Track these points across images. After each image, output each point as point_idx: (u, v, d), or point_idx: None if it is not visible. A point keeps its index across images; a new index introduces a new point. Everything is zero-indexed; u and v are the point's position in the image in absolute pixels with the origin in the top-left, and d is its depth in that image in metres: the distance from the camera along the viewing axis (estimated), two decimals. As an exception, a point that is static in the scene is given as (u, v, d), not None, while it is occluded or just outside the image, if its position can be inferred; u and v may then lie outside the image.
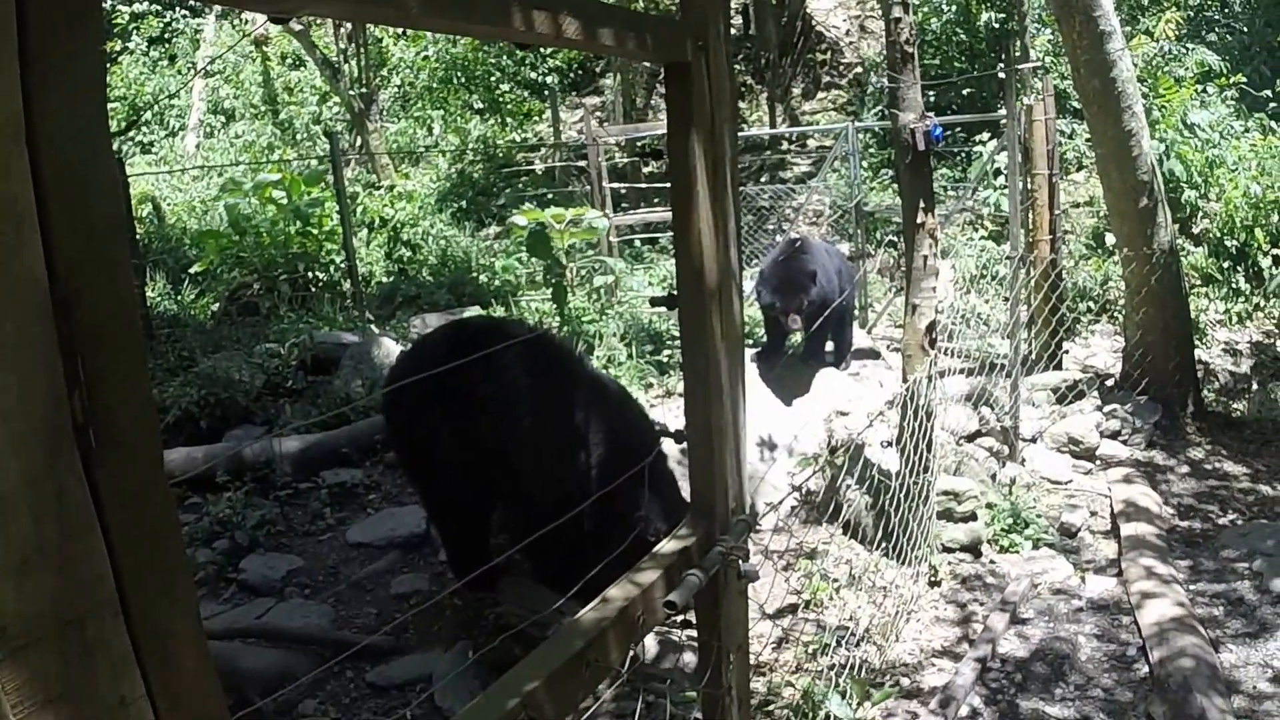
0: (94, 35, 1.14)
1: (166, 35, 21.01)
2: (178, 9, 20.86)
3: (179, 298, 10.27)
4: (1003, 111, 6.99)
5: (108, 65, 19.64)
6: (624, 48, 2.36)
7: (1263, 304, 9.65)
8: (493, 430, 4.33)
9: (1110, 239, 9.00)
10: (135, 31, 20.58)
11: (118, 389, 1.16)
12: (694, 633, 3.33)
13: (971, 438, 6.50)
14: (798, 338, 7.39)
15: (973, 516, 5.51)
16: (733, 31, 15.22)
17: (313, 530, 5.54)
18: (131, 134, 18.73)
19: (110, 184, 1.19)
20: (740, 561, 2.74)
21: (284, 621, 4.52)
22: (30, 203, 1.06)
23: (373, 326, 8.64)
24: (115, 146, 15.95)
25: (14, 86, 1.03)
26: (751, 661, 3.32)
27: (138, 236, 9.88)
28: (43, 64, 1.07)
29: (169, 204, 14.72)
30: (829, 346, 7.39)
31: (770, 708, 3.97)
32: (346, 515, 5.71)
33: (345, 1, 1.63)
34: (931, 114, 5.31)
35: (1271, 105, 11.37)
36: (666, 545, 2.69)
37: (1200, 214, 10.55)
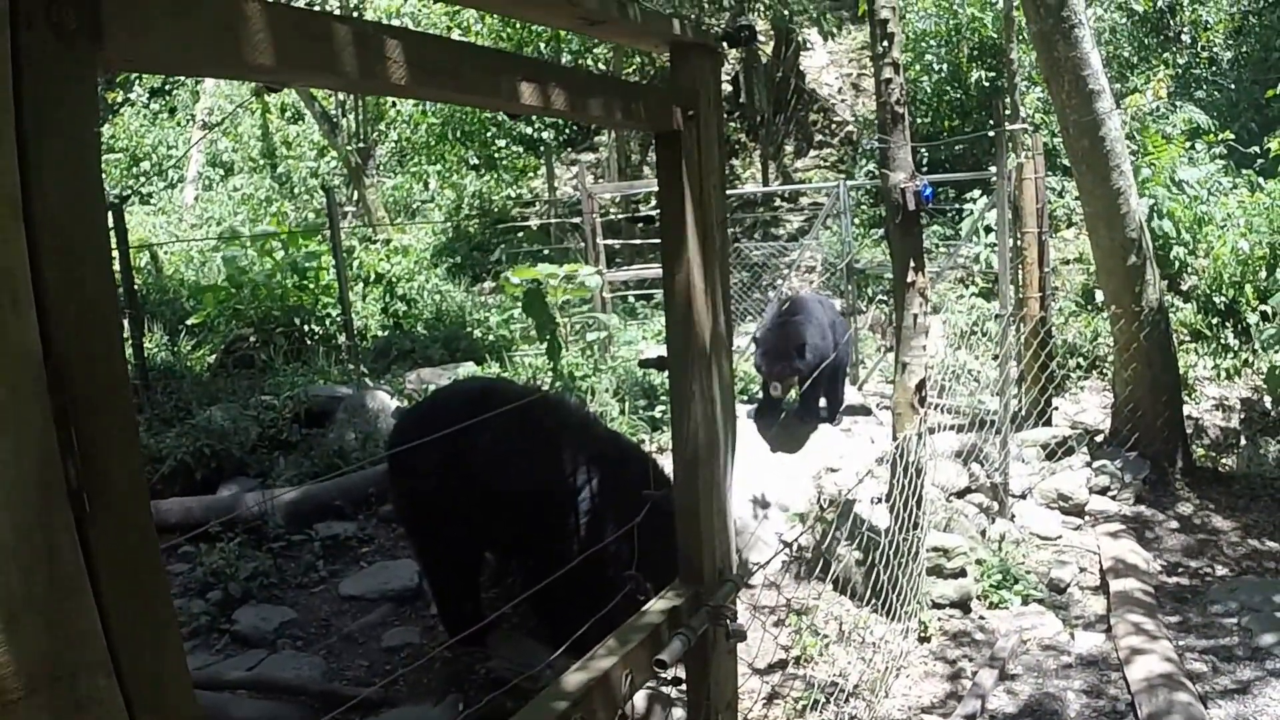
0: (88, 113, 1.19)
1: (167, 87, 21.30)
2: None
3: (176, 349, 10.31)
4: (993, 169, 7.12)
5: (109, 116, 19.92)
6: (613, 117, 2.42)
7: (1251, 359, 9.72)
8: (497, 488, 4.39)
9: (1100, 296, 9.10)
10: (136, 83, 20.86)
11: (110, 456, 1.20)
12: (684, 688, 3.35)
13: (961, 494, 6.54)
14: (793, 394, 7.45)
15: (962, 573, 5.53)
16: (725, 92, 15.45)
17: (305, 582, 5.56)
18: (132, 185, 18.92)
19: (104, 259, 1.23)
20: (728, 620, 2.77)
21: (276, 673, 4.53)
22: (26, 275, 1.10)
23: (367, 380, 8.70)
24: (118, 196, 16.15)
25: (11, 163, 1.08)
26: (741, 718, 3.33)
27: (135, 286, 9.95)
28: (39, 141, 1.11)
29: (166, 253, 14.83)
30: (822, 402, 7.44)
31: (759, 765, 3.98)
32: (339, 568, 5.73)
33: (337, 75, 1.69)
34: (923, 175, 5.40)
35: (1259, 162, 11.52)
36: (656, 604, 2.72)
37: (1189, 270, 10.65)
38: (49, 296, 1.13)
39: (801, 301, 7.13)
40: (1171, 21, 15.00)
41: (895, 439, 5.22)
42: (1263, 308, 9.72)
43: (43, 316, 1.12)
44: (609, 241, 11.39)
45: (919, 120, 14.27)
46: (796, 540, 5.45)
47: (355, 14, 15.64)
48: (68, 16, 1.14)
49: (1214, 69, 14.84)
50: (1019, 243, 8.09)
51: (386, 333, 11.28)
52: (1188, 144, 11.86)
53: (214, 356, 10.00)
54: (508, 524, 4.49)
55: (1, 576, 1.07)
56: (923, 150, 12.77)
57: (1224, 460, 8.15)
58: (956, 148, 13.16)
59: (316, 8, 15.34)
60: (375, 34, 1.71)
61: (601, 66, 16.62)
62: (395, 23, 15.88)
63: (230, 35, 1.41)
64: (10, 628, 1.08)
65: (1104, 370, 9.63)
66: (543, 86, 2.07)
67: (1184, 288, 10.60)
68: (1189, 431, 8.04)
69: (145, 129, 20.36)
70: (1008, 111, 9.74)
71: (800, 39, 17.38)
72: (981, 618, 5.42)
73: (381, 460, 5.79)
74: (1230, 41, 14.95)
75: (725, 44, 2.90)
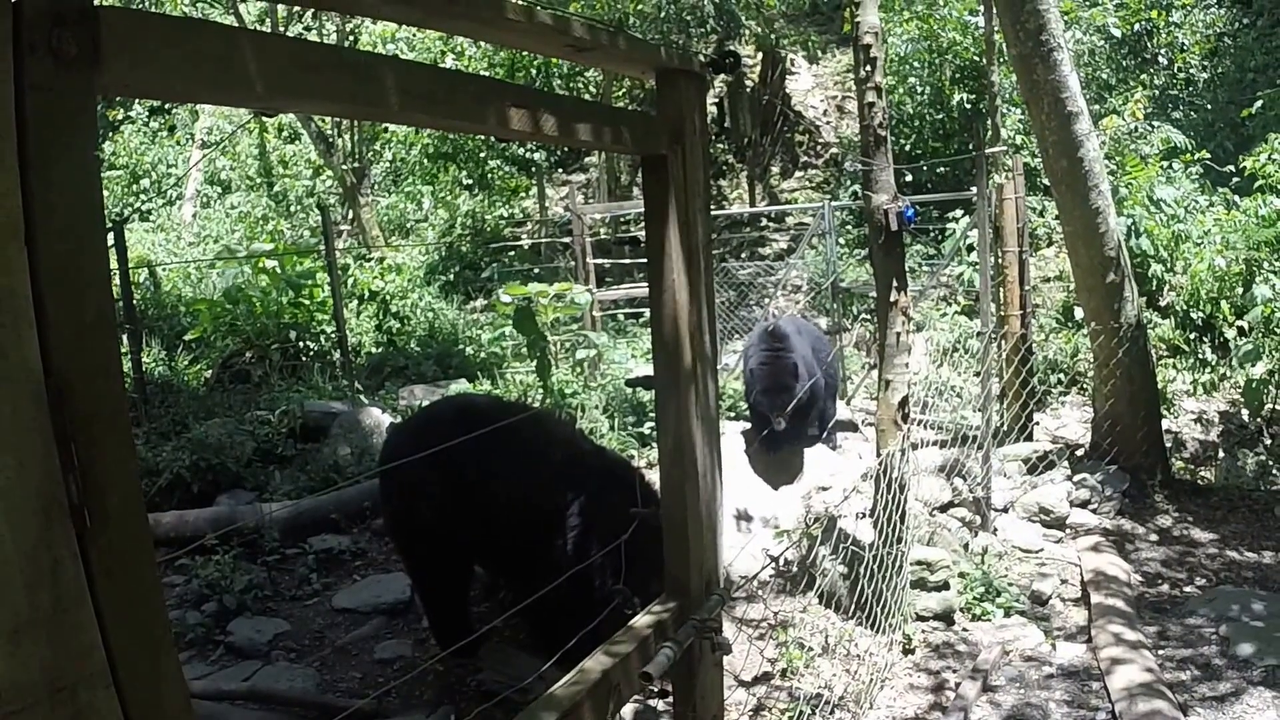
0: (88, 139, 1.24)
1: (167, 106, 21.39)
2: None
3: (173, 363, 10.38)
4: (974, 190, 7.24)
5: (110, 134, 20.01)
6: (601, 142, 2.47)
7: (1228, 374, 9.85)
8: (485, 503, 4.46)
9: (1079, 313, 9.24)
10: (136, 101, 20.96)
11: (109, 473, 1.24)
12: (671, 701, 3.42)
13: (944, 508, 6.61)
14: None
15: (945, 585, 5.60)
16: (711, 115, 15.56)
17: (299, 595, 5.62)
18: (132, 202, 19.02)
19: (104, 281, 1.26)
20: (714, 634, 2.82)
21: (270, 684, 4.59)
22: (28, 297, 1.14)
23: (361, 396, 8.78)
24: (119, 215, 16.19)
25: (14, 187, 1.13)
26: (726, 727, 3.39)
27: (134, 302, 10.02)
28: (41, 166, 1.16)
29: (164, 270, 14.90)
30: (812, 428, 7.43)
31: (745, 773, 4.04)
32: (333, 581, 5.79)
33: (330, 103, 1.75)
34: (905, 196, 5.49)
35: (1235, 180, 11.66)
36: (644, 618, 2.75)
37: (1167, 287, 10.76)
38: (50, 317, 1.16)
39: (781, 330, 7.06)
40: (1149, 44, 15.21)
41: (879, 455, 5.31)
42: (1239, 323, 9.84)
43: (43, 336, 1.15)
44: (599, 261, 11.51)
45: (902, 142, 14.40)
46: (782, 554, 5.54)
47: (351, 37, 15.75)
48: (68, 44, 1.18)
49: (1190, 90, 15.04)
50: (1000, 261, 8.20)
51: (380, 350, 11.35)
52: (1165, 163, 12.01)
53: (210, 371, 10.07)
54: (497, 539, 4.56)
55: (6, 592, 1.10)
56: (906, 172, 12.90)
57: (1202, 473, 8.27)
58: (939, 169, 13.30)
59: (312, 31, 15.46)
60: (368, 63, 1.77)
61: (593, 90, 16.74)
62: (390, 47, 16.00)
63: (226, 65, 1.45)
64: (14, 641, 1.11)
65: (1084, 386, 9.72)
66: (532, 113, 2.13)
67: (1162, 304, 10.72)
68: (1168, 445, 8.14)
69: (145, 147, 20.48)
70: (989, 133, 9.90)
71: (786, 62, 17.54)
72: (964, 630, 5.48)
73: (374, 475, 5.86)
74: (1206, 63, 15.17)
75: (710, 70, 2.97)
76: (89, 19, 1.22)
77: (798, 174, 17.19)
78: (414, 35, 16.57)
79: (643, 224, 2.88)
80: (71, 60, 1.19)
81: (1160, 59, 15.25)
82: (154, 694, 1.29)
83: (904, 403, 5.30)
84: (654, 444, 7.24)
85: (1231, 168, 11.78)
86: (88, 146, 1.23)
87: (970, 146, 10.73)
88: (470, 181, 17.23)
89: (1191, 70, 15.16)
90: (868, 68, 5.30)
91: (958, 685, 4.87)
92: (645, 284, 2.82)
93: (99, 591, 1.21)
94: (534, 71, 16.60)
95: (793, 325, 7.43)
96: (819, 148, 17.49)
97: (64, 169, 1.19)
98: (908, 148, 14.37)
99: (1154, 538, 6.92)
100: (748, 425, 7.47)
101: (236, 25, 15.28)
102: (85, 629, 1.19)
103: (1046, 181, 8.64)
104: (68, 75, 1.20)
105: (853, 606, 5.17)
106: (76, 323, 1.20)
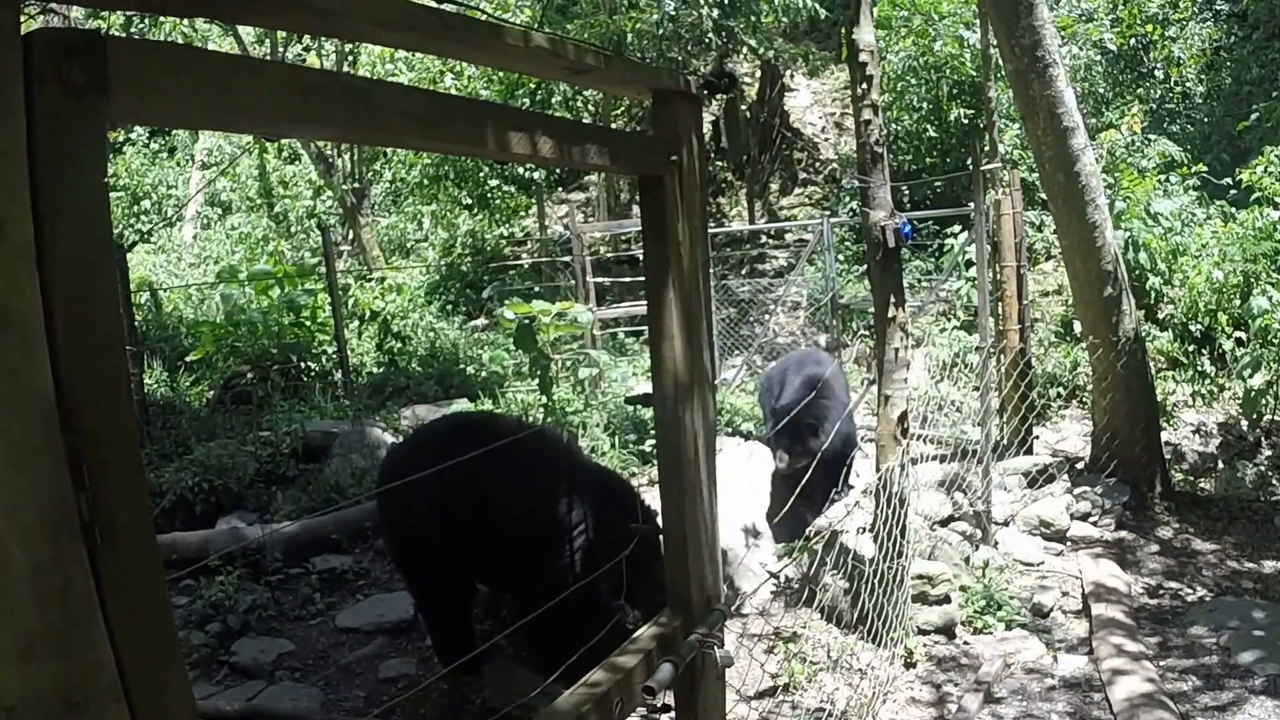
0: (97, 164, 1.27)
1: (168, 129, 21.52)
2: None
3: (175, 385, 10.42)
4: (972, 205, 7.29)
5: (111, 155, 20.11)
6: (599, 163, 2.48)
7: (1227, 385, 9.88)
8: (484, 521, 4.49)
9: (1078, 326, 9.28)
10: (138, 122, 21.10)
11: (118, 491, 1.26)
12: (674, 715, 3.43)
13: (945, 522, 6.63)
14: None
15: (947, 599, 5.63)
16: (709, 136, 15.62)
17: (303, 615, 5.64)
18: (133, 224, 19.09)
19: (112, 304, 1.29)
20: (715, 648, 2.85)
21: (274, 704, 4.61)
22: (39, 320, 1.15)
23: (363, 417, 8.81)
24: (120, 235, 16.25)
25: (25, 213, 1.15)
26: (728, 742, 3.41)
27: (135, 323, 10.06)
28: (51, 192, 1.19)
29: (165, 291, 14.95)
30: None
31: (748, 788, 4.05)
32: (336, 600, 5.82)
33: (330, 127, 1.76)
34: (903, 214, 5.52)
35: (1232, 193, 11.70)
36: (646, 632, 2.77)
37: (1165, 300, 10.80)
38: (60, 338, 1.18)
39: (830, 384, 6.61)
40: (1145, 58, 15.29)
41: (879, 470, 5.33)
42: (1237, 334, 9.88)
43: (54, 357, 1.17)
44: (599, 279, 11.55)
45: (900, 158, 14.44)
46: (783, 570, 5.56)
47: (351, 58, 15.82)
48: (76, 74, 1.21)
49: (1187, 103, 15.10)
50: (998, 276, 8.23)
51: (381, 369, 11.38)
52: (1162, 177, 12.06)
53: (212, 392, 10.10)
54: (495, 556, 4.58)
55: (19, 609, 1.12)
56: (904, 188, 12.95)
57: (1202, 484, 8.29)
58: (936, 185, 13.35)
59: (312, 52, 15.54)
60: (366, 88, 1.80)
61: (592, 109, 16.80)
62: (389, 67, 16.07)
63: (228, 93, 1.48)
64: (27, 658, 1.13)
65: (1083, 399, 9.73)
66: (529, 135, 2.15)
67: (1160, 317, 10.74)
68: (1167, 457, 8.15)
69: (146, 168, 20.55)
70: (986, 149, 9.93)
71: (785, 79, 17.62)
72: (966, 643, 5.51)
73: (374, 495, 5.89)
74: (1202, 76, 15.23)
75: (706, 91, 2.99)
76: (96, 50, 1.25)
77: (796, 191, 17.23)
78: (413, 56, 16.65)
79: (636, 252, 2.90)
80: (80, 90, 1.22)
81: (1156, 73, 15.32)
82: (161, 706, 1.31)
83: (903, 418, 5.32)
84: (654, 462, 7.27)
85: (1228, 180, 11.81)
86: (97, 173, 1.26)
87: (968, 162, 10.75)
88: (470, 201, 17.26)
89: (1188, 84, 15.23)
90: (864, 85, 5.35)
91: (960, 698, 4.89)
92: (645, 302, 2.84)
93: (109, 607, 1.23)
94: (533, 88, 16.68)
95: (840, 384, 6.84)
96: (818, 164, 17.54)
97: (73, 195, 1.21)
98: (905, 164, 14.42)
99: (1154, 549, 6.93)
100: (744, 440, 7.48)
101: (236, 48, 15.39)
102: (96, 644, 1.21)
103: (1044, 196, 8.68)
104: (77, 104, 1.22)
105: (854, 621, 5.20)
106: (86, 344, 1.22)
